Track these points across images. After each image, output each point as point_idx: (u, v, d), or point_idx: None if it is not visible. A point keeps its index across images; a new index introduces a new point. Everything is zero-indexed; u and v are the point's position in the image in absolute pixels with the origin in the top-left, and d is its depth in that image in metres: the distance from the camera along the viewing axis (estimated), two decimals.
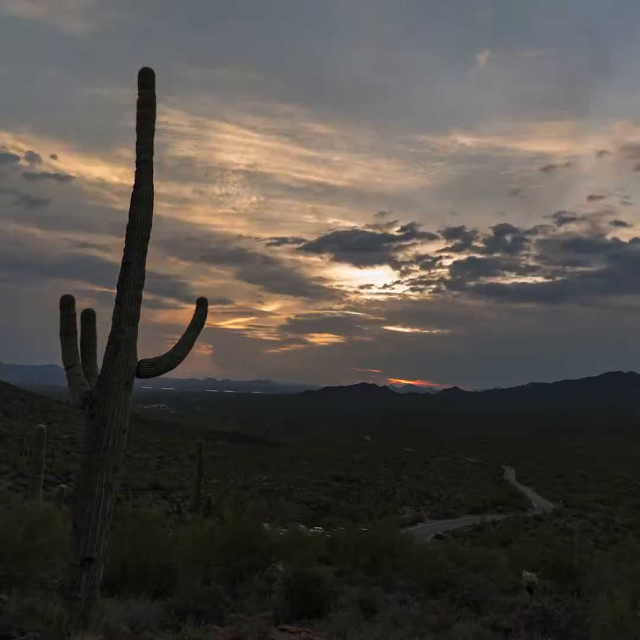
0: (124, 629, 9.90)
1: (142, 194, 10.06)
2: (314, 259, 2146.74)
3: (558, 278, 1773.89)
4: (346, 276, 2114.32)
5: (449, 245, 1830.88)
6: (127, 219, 9.98)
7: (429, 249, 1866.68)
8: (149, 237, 10.03)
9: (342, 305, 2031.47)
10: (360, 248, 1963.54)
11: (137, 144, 10.22)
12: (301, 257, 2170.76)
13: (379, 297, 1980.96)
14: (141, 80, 10.36)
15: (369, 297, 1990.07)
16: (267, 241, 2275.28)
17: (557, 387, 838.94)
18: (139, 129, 10.26)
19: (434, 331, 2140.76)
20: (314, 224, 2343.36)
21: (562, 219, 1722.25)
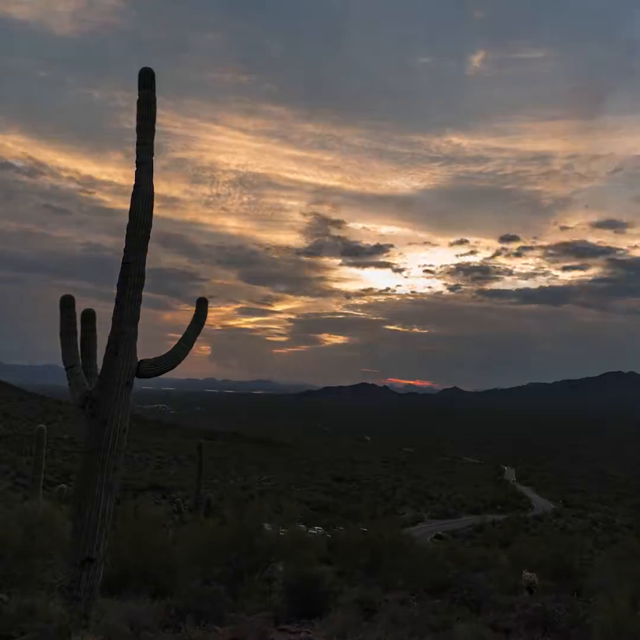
0: (124, 629, 9.90)
1: (142, 194, 10.06)
2: (315, 260, 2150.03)
3: (557, 281, 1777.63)
4: (347, 277, 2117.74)
5: (448, 246, 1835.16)
6: (127, 218, 9.99)
7: (429, 250, 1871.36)
8: (149, 237, 10.01)
9: (342, 306, 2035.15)
10: (361, 250, 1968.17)
11: (137, 144, 10.21)
12: (302, 258, 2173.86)
13: (380, 298, 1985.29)
14: (141, 80, 10.36)
15: (369, 297, 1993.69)
16: (268, 242, 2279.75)
17: (557, 387, 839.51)
18: (139, 129, 10.26)
19: (434, 331, 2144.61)
20: (314, 224, 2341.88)
21: (561, 224, 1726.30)
